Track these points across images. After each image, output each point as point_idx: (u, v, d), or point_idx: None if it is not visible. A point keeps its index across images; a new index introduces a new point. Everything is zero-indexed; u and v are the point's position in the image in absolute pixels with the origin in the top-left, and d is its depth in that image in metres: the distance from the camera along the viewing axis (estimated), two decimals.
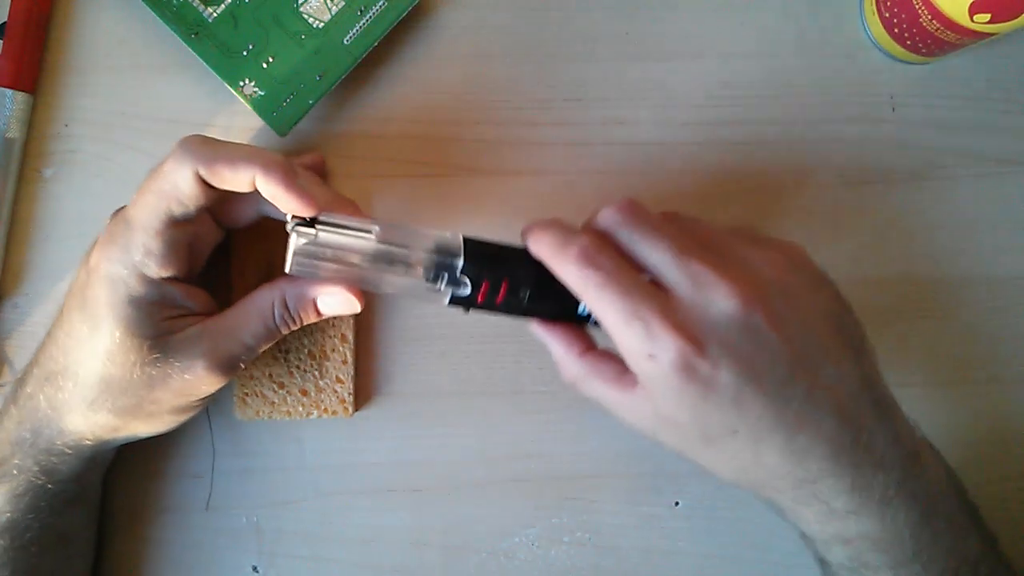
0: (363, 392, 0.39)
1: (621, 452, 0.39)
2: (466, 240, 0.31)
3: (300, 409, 0.37)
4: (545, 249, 0.29)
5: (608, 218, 0.29)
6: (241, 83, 0.38)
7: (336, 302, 0.32)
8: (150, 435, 0.34)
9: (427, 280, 0.30)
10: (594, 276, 0.27)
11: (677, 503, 0.39)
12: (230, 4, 0.38)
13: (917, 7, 0.38)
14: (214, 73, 0.37)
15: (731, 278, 0.27)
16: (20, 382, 0.33)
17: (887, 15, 0.40)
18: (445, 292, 0.31)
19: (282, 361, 0.37)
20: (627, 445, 0.39)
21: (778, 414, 0.27)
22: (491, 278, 0.30)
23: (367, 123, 0.40)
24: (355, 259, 0.30)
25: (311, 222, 0.30)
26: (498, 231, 0.40)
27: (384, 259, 0.30)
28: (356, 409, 0.38)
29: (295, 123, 0.38)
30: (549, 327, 0.32)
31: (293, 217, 0.29)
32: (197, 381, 0.31)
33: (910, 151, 0.41)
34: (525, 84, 0.41)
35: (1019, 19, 0.35)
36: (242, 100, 0.38)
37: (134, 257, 0.30)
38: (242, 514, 0.38)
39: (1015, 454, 0.40)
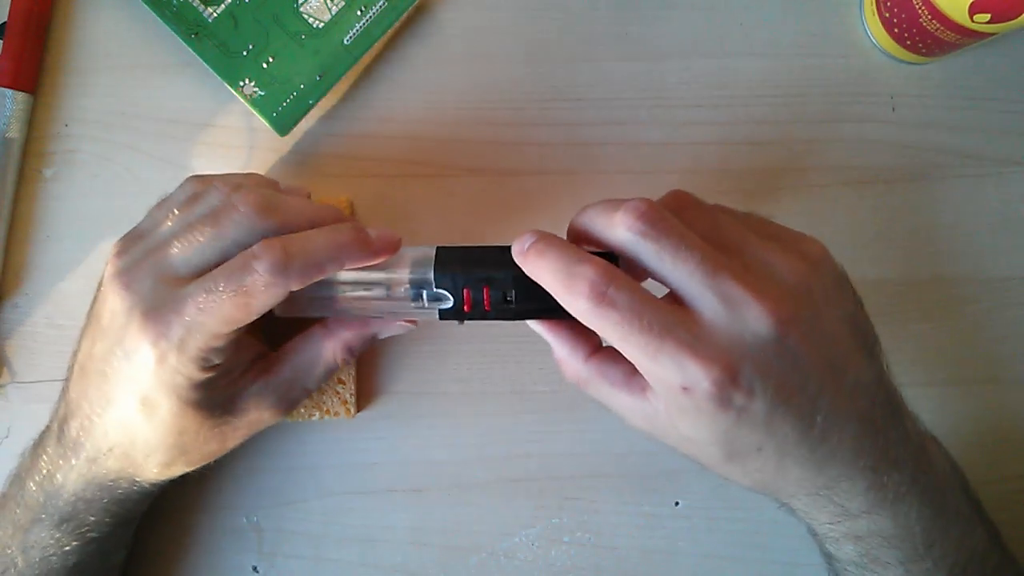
0: (364, 392, 0.39)
1: (621, 452, 0.39)
2: (439, 251, 0.30)
3: (302, 411, 0.37)
4: (549, 281, 0.27)
5: (628, 229, 0.26)
6: (241, 83, 0.38)
7: (394, 329, 0.33)
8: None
9: (411, 300, 0.30)
10: (611, 315, 0.25)
11: (677, 503, 0.39)
12: (230, 4, 0.38)
13: (917, 7, 0.38)
14: (214, 73, 0.37)
15: (763, 295, 0.25)
16: (75, 446, 0.30)
17: (887, 15, 0.40)
18: (431, 308, 0.30)
19: None
20: (627, 445, 0.39)
21: (806, 429, 0.26)
22: (469, 285, 0.29)
23: (367, 123, 0.40)
24: (333, 291, 0.30)
25: None
26: (498, 231, 0.40)
27: (363, 286, 0.30)
28: (358, 410, 0.38)
29: (295, 123, 0.38)
30: (551, 326, 0.30)
31: None
32: (264, 426, 0.33)
33: (910, 151, 0.41)
34: (525, 84, 0.41)
35: (1019, 19, 0.35)
36: (242, 100, 0.38)
37: (196, 354, 0.28)
38: (242, 514, 0.38)
39: (1015, 454, 0.40)
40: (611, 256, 0.28)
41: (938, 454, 0.31)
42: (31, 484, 0.31)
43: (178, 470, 0.32)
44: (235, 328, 0.28)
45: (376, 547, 0.38)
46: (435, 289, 0.29)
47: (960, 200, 0.41)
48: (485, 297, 0.29)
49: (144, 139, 0.39)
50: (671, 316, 0.25)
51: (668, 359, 0.25)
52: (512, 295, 0.29)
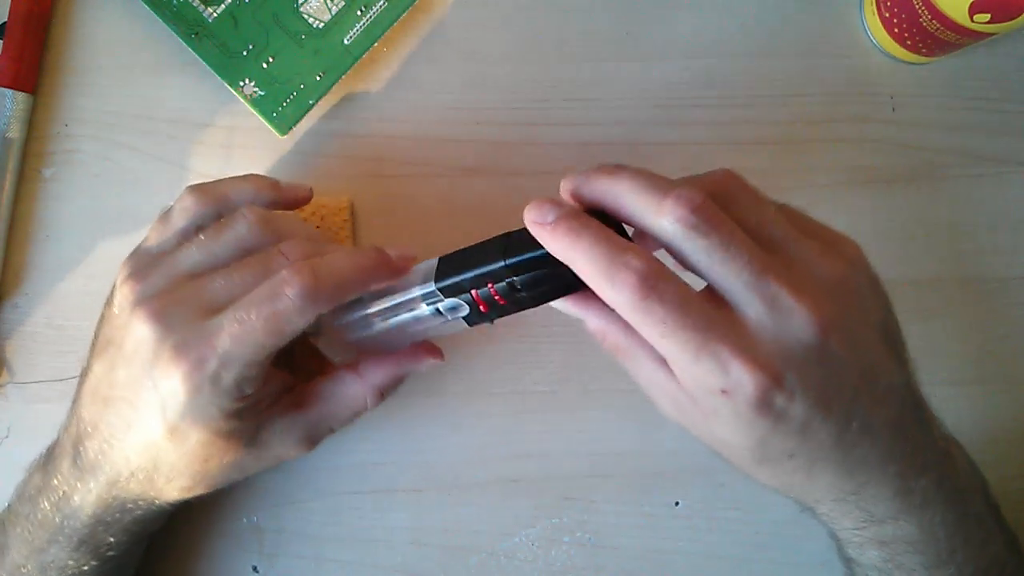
0: None
1: (621, 452, 0.39)
2: (440, 261, 0.29)
3: None
4: (586, 268, 0.25)
5: (677, 221, 0.24)
6: (241, 83, 0.38)
7: (422, 366, 0.33)
8: None
9: (433, 315, 0.30)
10: (656, 310, 0.24)
11: (677, 503, 0.39)
12: (230, 4, 0.38)
13: (917, 7, 0.38)
14: (214, 73, 0.37)
15: (807, 299, 0.24)
16: (93, 469, 0.30)
17: (887, 15, 0.40)
18: (456, 319, 0.30)
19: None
20: (627, 445, 0.39)
21: (840, 436, 0.26)
22: (474, 288, 0.28)
23: (367, 123, 0.40)
24: (367, 328, 0.30)
25: None
26: (498, 231, 0.40)
27: (388, 312, 0.30)
28: None
29: (295, 123, 0.38)
30: (579, 302, 0.28)
31: None
32: (285, 459, 0.32)
33: (910, 151, 0.41)
34: (525, 84, 0.41)
35: (1019, 19, 0.35)
36: (242, 100, 0.38)
37: (230, 385, 0.28)
38: (242, 514, 0.38)
39: (1015, 454, 0.40)
40: (605, 217, 0.26)
41: (961, 458, 0.30)
42: (44, 504, 0.31)
43: (198, 492, 0.31)
44: (268, 355, 0.28)
45: (376, 547, 0.38)
46: (446, 300, 0.29)
47: (960, 200, 0.41)
48: (495, 294, 0.28)
49: (144, 139, 0.39)
50: (715, 315, 0.24)
51: (711, 360, 0.24)
52: (519, 283, 0.27)
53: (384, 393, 0.33)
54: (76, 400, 0.31)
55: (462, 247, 0.29)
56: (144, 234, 0.38)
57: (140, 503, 0.31)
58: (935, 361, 0.41)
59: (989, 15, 0.35)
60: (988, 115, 0.42)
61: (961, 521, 0.29)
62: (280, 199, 0.33)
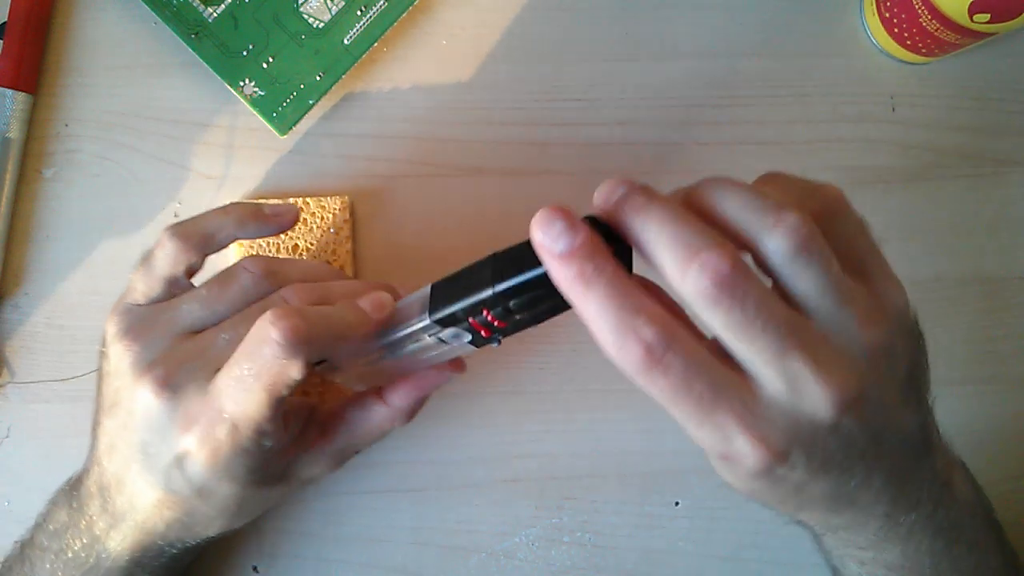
0: None
1: (621, 452, 0.39)
2: (432, 290, 0.28)
3: None
4: (594, 320, 0.22)
5: (698, 292, 0.22)
6: (241, 83, 0.38)
7: (443, 379, 0.33)
8: None
9: (438, 343, 0.28)
10: (660, 381, 0.22)
11: (677, 503, 0.39)
12: (230, 4, 0.38)
13: (917, 7, 0.38)
14: (214, 73, 0.37)
15: (831, 379, 0.22)
16: (125, 516, 0.30)
17: (887, 15, 0.40)
18: (459, 344, 0.28)
19: None
20: (627, 445, 0.39)
21: (835, 491, 0.25)
22: (470, 316, 0.26)
23: (367, 123, 0.40)
24: (380, 360, 0.30)
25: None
26: (498, 231, 0.40)
27: (395, 347, 0.29)
28: None
29: (295, 123, 0.38)
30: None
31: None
32: (316, 483, 0.33)
33: (910, 151, 0.41)
34: (525, 84, 0.41)
35: (1019, 19, 0.35)
36: (242, 100, 0.38)
37: (247, 444, 0.27)
38: None
39: (1015, 454, 0.40)
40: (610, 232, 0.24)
41: (962, 485, 0.30)
42: (74, 543, 0.31)
43: (236, 527, 0.31)
44: (276, 407, 0.27)
45: (376, 547, 0.38)
46: (444, 330, 0.27)
47: (960, 200, 0.41)
48: (491, 319, 0.26)
49: (144, 139, 0.39)
50: (725, 381, 0.23)
51: (715, 430, 0.23)
52: (517, 306, 0.25)
53: (412, 411, 0.33)
54: (94, 447, 0.30)
55: (453, 272, 0.27)
56: (148, 235, 0.38)
57: (177, 545, 0.31)
58: (935, 361, 0.41)
59: (989, 15, 0.35)
60: (988, 115, 0.42)
61: (950, 548, 0.28)
62: (265, 227, 0.32)
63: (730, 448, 0.23)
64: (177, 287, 0.30)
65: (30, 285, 0.38)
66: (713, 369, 0.23)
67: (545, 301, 0.25)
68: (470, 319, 0.26)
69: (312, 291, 0.30)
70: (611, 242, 0.23)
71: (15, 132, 0.37)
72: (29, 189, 0.38)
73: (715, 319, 0.22)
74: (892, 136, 0.41)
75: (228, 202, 0.35)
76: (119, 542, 0.30)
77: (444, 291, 0.27)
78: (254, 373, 0.26)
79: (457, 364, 0.33)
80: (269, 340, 0.26)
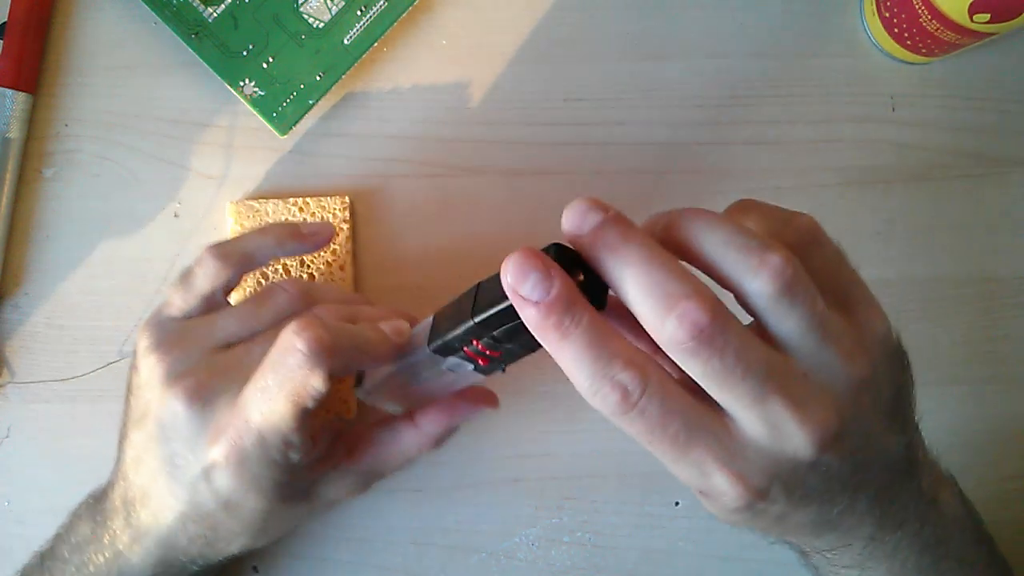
0: None
1: (621, 452, 0.39)
2: (434, 319, 0.28)
3: None
4: (570, 369, 0.22)
5: (674, 343, 0.21)
6: (241, 83, 0.38)
7: (476, 413, 0.33)
8: None
9: (449, 371, 0.28)
10: (637, 423, 0.22)
11: (677, 503, 0.39)
12: (230, 4, 0.38)
13: (917, 7, 0.38)
14: (214, 73, 0.37)
15: (811, 419, 0.22)
16: (149, 531, 0.30)
17: (887, 15, 0.40)
18: (468, 372, 0.28)
19: None
20: (627, 445, 0.39)
21: (818, 520, 0.25)
22: (463, 347, 0.26)
23: (367, 123, 0.40)
24: (403, 379, 0.30)
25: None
26: (498, 231, 0.40)
27: (406, 372, 0.29)
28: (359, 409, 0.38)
29: (295, 123, 0.38)
30: None
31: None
32: (339, 503, 0.33)
33: (910, 151, 0.41)
34: (525, 84, 0.41)
35: (1019, 19, 0.35)
36: (242, 100, 0.38)
37: (275, 456, 0.27)
38: None
39: (1015, 454, 0.40)
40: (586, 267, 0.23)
41: (951, 500, 0.29)
42: (97, 557, 0.30)
43: (259, 546, 0.31)
44: (302, 419, 0.27)
45: (376, 547, 0.38)
46: (446, 359, 0.27)
47: (960, 200, 0.41)
48: (484, 350, 0.26)
49: (144, 139, 0.39)
50: (701, 421, 0.23)
51: (693, 468, 0.23)
52: (503, 335, 0.24)
53: (441, 442, 0.33)
54: (120, 461, 0.30)
55: (452, 299, 0.27)
56: (147, 235, 0.38)
57: (199, 561, 0.31)
58: (935, 361, 0.41)
59: (989, 15, 0.35)
60: (988, 115, 0.42)
61: (937, 564, 0.28)
62: (302, 246, 0.33)
63: (708, 484, 0.23)
64: (213, 304, 0.31)
65: (30, 285, 0.38)
66: (689, 409, 0.22)
67: (528, 332, 0.23)
68: (464, 349, 0.26)
69: (341, 311, 0.31)
70: (582, 270, 0.23)
71: (15, 132, 0.37)
72: (29, 189, 0.39)
73: (694, 369, 0.22)
74: (892, 136, 0.41)
75: (271, 223, 0.36)
76: (142, 557, 0.30)
77: (441, 320, 0.27)
78: (278, 382, 0.26)
79: (491, 399, 0.33)
80: (293, 349, 0.26)
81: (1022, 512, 0.40)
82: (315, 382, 0.26)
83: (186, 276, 0.31)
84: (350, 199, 0.39)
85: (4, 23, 0.38)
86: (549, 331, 0.22)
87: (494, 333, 0.24)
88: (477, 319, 0.24)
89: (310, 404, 0.26)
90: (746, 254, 0.22)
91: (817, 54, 0.42)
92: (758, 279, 0.22)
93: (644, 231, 0.23)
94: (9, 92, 0.37)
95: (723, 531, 0.39)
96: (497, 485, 0.39)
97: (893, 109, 0.42)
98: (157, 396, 0.28)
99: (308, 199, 0.38)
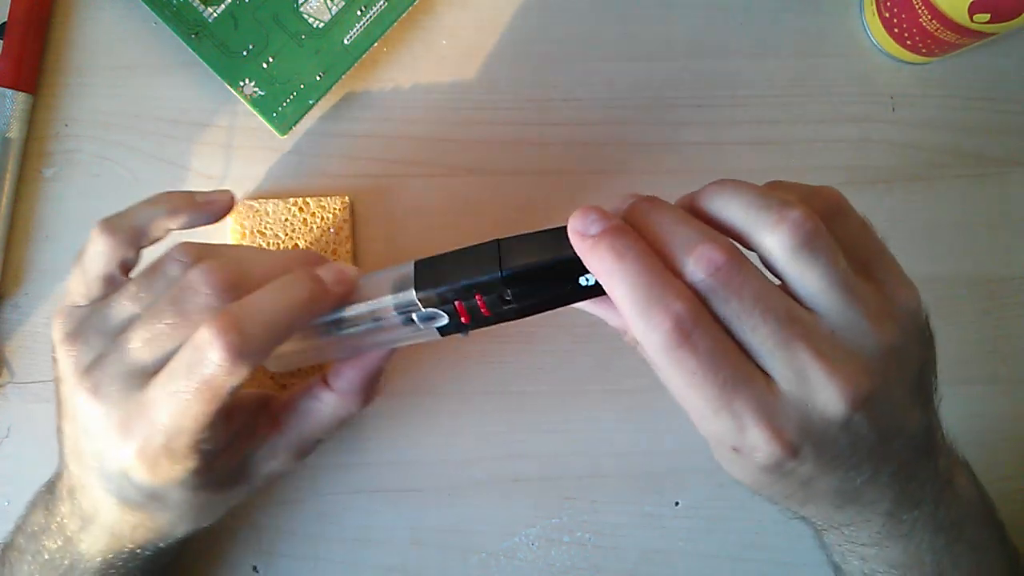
0: None
1: (621, 452, 0.39)
2: (417, 267, 0.27)
3: None
4: (622, 295, 0.23)
5: (704, 270, 0.23)
6: (241, 83, 0.38)
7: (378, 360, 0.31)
8: None
9: (404, 324, 0.27)
10: (688, 361, 0.22)
11: (677, 503, 0.39)
12: (230, 4, 0.38)
13: (917, 7, 0.38)
14: (214, 73, 0.37)
15: (841, 375, 0.23)
16: (93, 518, 0.29)
17: (887, 15, 0.40)
18: (428, 329, 0.27)
19: None
20: (627, 445, 0.39)
21: (841, 487, 0.25)
22: (459, 297, 0.26)
23: (367, 123, 0.40)
24: (321, 338, 0.27)
25: None
26: (498, 231, 0.40)
27: (349, 323, 0.27)
28: None
29: (295, 123, 0.38)
30: (595, 304, 0.27)
31: None
32: (282, 475, 0.31)
33: (910, 151, 0.41)
34: (525, 84, 0.41)
35: (1019, 19, 0.35)
36: (242, 100, 0.38)
37: (186, 451, 0.26)
38: (242, 514, 0.38)
39: (1015, 454, 0.40)
40: None
41: (965, 484, 0.30)
42: (50, 544, 0.30)
43: (205, 525, 0.31)
44: (214, 417, 0.26)
45: (376, 547, 0.38)
46: (424, 310, 0.27)
47: (960, 200, 0.41)
48: (480, 304, 0.26)
49: (144, 139, 0.39)
50: (745, 371, 0.23)
51: (731, 419, 0.23)
52: (509, 295, 0.26)
53: (365, 393, 0.31)
54: (61, 451, 0.30)
55: (440, 253, 0.27)
56: None
57: (148, 548, 0.30)
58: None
59: (989, 15, 0.35)
60: (988, 115, 0.42)
61: (951, 546, 0.28)
62: (199, 216, 0.30)
63: (743, 440, 0.23)
64: (113, 284, 0.29)
65: (30, 285, 0.38)
66: (736, 355, 0.23)
67: (544, 294, 0.26)
68: (457, 302, 0.26)
69: (228, 270, 0.27)
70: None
71: (15, 132, 0.37)
72: (29, 189, 0.38)
73: (728, 304, 0.23)
74: (892, 136, 0.41)
75: (161, 192, 0.32)
76: (90, 544, 0.30)
77: (433, 270, 0.26)
78: (191, 388, 0.25)
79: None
80: (208, 361, 0.25)
81: (1022, 512, 0.40)
82: (233, 382, 0.25)
83: (80, 258, 0.29)
84: (350, 199, 0.39)
85: (4, 23, 0.38)
86: (601, 252, 0.23)
87: (512, 290, 0.25)
88: (506, 271, 0.25)
89: (226, 401, 0.25)
90: (767, 212, 0.23)
91: (817, 54, 0.42)
92: (777, 233, 0.23)
93: (672, 204, 0.25)
94: (9, 92, 0.37)
95: (723, 531, 0.39)
96: (497, 485, 0.39)
97: (893, 109, 0.42)
98: (71, 391, 0.27)
99: (308, 199, 0.38)
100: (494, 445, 0.39)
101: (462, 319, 0.27)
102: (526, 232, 0.26)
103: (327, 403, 0.31)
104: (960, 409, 0.40)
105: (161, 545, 0.31)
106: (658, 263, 0.23)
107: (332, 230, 0.38)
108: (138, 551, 0.30)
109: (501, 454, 0.39)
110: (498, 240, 0.26)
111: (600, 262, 0.23)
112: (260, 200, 0.38)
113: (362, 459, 0.39)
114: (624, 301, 0.23)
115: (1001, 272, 0.41)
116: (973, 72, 0.42)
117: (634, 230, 0.24)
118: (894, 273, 0.26)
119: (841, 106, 0.41)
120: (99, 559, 0.30)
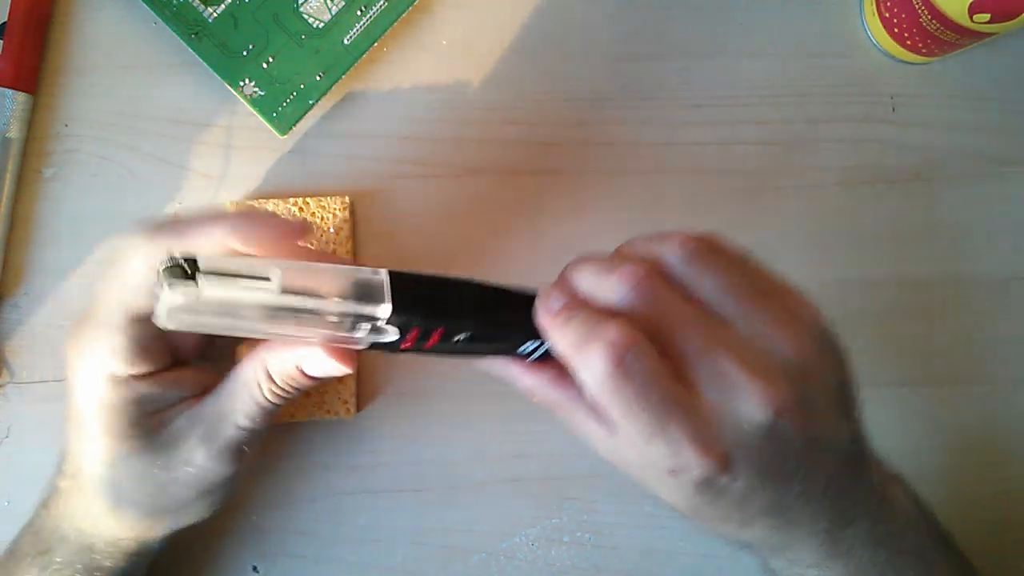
0: (365, 393, 0.39)
1: None
2: (393, 281, 0.25)
3: (302, 411, 0.37)
4: (566, 347, 0.25)
5: (627, 283, 0.25)
6: (241, 83, 0.38)
7: (323, 365, 0.27)
8: (192, 523, 0.31)
9: (346, 330, 0.25)
10: (626, 387, 0.24)
11: None
12: (230, 4, 0.38)
13: (917, 7, 0.38)
14: (214, 73, 0.37)
15: (761, 378, 0.24)
16: (59, 474, 0.30)
17: (887, 15, 0.40)
18: (365, 339, 0.26)
19: None
20: None
21: (776, 503, 0.26)
22: (424, 326, 0.25)
23: (367, 123, 0.40)
24: (252, 314, 0.24)
25: (191, 268, 0.23)
26: (498, 231, 0.40)
27: (290, 312, 0.24)
28: (358, 410, 0.38)
29: (295, 123, 0.38)
30: (505, 364, 0.29)
31: (166, 259, 0.23)
32: (202, 472, 0.28)
33: (910, 151, 0.41)
34: (525, 84, 0.41)
35: (1019, 19, 0.35)
36: (242, 100, 0.38)
37: (100, 358, 0.27)
38: (242, 514, 0.38)
39: (1013, 454, 0.40)
40: None
41: (901, 497, 0.30)
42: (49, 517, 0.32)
43: (131, 522, 0.30)
44: (123, 314, 0.26)
45: (376, 547, 0.38)
46: (384, 325, 0.25)
47: (960, 200, 0.41)
48: (433, 338, 0.26)
49: (144, 139, 0.39)
50: (676, 394, 0.24)
51: (665, 444, 0.24)
52: (463, 338, 0.26)
53: (279, 378, 0.28)
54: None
55: (413, 272, 0.26)
56: None
57: (87, 518, 0.30)
58: (935, 361, 0.41)
59: (989, 15, 0.35)
60: (988, 115, 0.42)
61: (894, 559, 0.29)
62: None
63: (678, 462, 0.24)
64: None
65: (30, 285, 0.38)
66: (667, 379, 0.24)
67: (489, 344, 0.28)
68: (417, 328, 0.26)
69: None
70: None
71: (15, 132, 0.37)
72: (29, 189, 0.38)
73: (660, 319, 0.25)
74: (892, 136, 0.41)
75: (227, 202, 0.33)
76: (57, 519, 0.31)
77: (412, 294, 0.25)
78: (112, 271, 0.26)
79: (349, 359, 0.28)
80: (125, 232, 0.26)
81: (1021, 512, 0.40)
82: (137, 265, 0.26)
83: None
84: (350, 199, 0.39)
85: (4, 23, 0.38)
86: (555, 324, 0.26)
87: (471, 334, 0.26)
88: (480, 319, 0.26)
89: (137, 298, 0.26)
90: (648, 244, 0.27)
91: (817, 54, 0.42)
92: (665, 247, 0.26)
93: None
94: (9, 92, 0.37)
95: None
96: (497, 485, 0.39)
97: (893, 109, 0.42)
98: None
99: (308, 199, 0.38)
100: (494, 445, 0.39)
101: (406, 344, 0.26)
102: (503, 286, 0.28)
103: (244, 378, 0.29)
104: (958, 409, 0.40)
105: (124, 541, 0.31)
106: (589, 314, 0.25)
107: (332, 230, 0.38)
108: (98, 544, 0.30)
109: (501, 454, 0.39)
110: (479, 284, 0.27)
111: (555, 337, 0.26)
112: (260, 200, 0.38)
113: (362, 459, 0.39)
114: (567, 352, 0.25)
115: (1001, 272, 0.41)
116: (973, 72, 0.42)
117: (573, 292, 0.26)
118: (793, 295, 0.27)
119: (841, 106, 0.41)
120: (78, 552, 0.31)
